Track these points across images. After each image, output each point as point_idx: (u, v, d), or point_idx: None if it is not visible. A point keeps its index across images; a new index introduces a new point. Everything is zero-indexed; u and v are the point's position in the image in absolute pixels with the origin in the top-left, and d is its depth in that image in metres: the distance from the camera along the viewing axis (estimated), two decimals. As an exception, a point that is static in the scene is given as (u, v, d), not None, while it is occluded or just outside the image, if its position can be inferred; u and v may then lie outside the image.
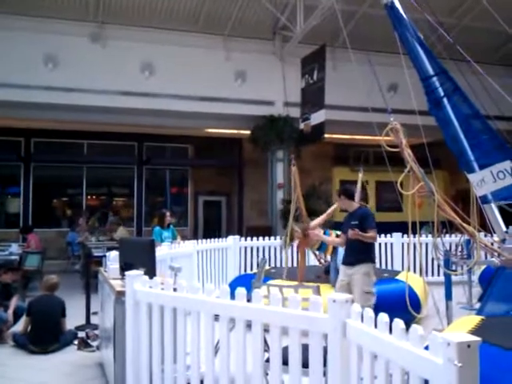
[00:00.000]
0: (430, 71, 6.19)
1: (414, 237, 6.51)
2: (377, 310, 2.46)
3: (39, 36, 12.89)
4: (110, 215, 16.87)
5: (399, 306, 5.80)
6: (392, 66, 9.69)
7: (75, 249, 13.56)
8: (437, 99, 6.08)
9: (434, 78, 6.13)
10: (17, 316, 6.81)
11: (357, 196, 8.01)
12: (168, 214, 9.35)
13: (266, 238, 10.50)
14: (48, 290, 6.69)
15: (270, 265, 9.85)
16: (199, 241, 9.47)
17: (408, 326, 2.17)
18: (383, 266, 10.39)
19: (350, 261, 5.82)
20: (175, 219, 18.20)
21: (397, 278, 7.80)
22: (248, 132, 15.55)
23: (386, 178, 7.08)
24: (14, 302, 6.88)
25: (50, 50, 13.10)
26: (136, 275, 3.82)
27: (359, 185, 8.42)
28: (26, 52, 12.78)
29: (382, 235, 10.72)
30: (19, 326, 6.58)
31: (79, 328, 6.91)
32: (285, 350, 2.79)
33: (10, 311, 6.74)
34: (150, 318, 3.66)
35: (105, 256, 6.13)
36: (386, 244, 10.73)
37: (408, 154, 5.27)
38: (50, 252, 12.09)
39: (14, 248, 10.67)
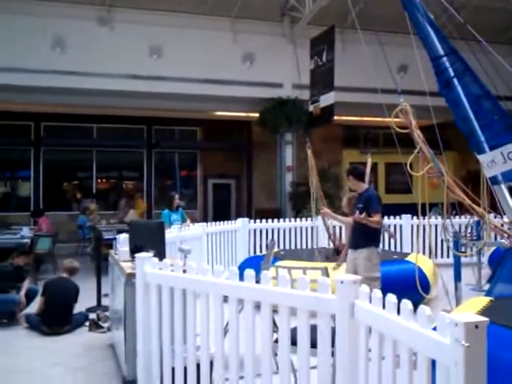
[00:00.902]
0: (440, 51, 6.11)
1: (424, 218, 6.50)
2: (386, 290, 2.47)
3: (47, 20, 12.86)
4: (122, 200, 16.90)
5: (409, 287, 5.81)
6: (402, 47, 9.59)
7: (86, 232, 13.66)
8: (447, 79, 6.00)
9: (444, 58, 6.05)
10: (29, 298, 6.90)
11: (366, 179, 7.99)
12: (177, 196, 9.38)
13: (275, 220, 10.52)
14: (67, 272, 6.78)
15: (278, 247, 9.89)
16: (209, 223, 9.51)
17: (417, 306, 2.18)
18: (392, 248, 10.39)
19: (353, 244, 5.81)
20: (184, 202, 18.32)
21: (406, 259, 7.80)
22: (257, 115, 15.49)
23: (396, 159, 7.04)
24: (26, 284, 6.97)
25: (58, 34, 13.08)
26: (146, 257, 3.85)
27: (369, 168, 8.39)
28: (35, 36, 12.76)
29: (392, 217, 10.70)
30: (32, 308, 6.67)
31: (90, 310, 7.00)
32: (293, 331, 2.81)
33: (22, 293, 6.84)
34: (159, 299, 3.69)
35: (115, 239, 6.18)
36: (395, 226, 10.71)
37: (417, 135, 5.23)
38: (60, 235, 12.18)
39: (26, 231, 10.75)
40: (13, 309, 6.76)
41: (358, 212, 5.59)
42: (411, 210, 9.99)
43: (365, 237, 5.63)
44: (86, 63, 13.05)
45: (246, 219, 10.34)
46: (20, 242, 8.79)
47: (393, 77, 6.82)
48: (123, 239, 5.31)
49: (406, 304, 2.19)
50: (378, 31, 11.84)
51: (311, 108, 14.30)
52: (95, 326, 6.38)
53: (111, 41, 13.46)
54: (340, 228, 10.12)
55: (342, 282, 2.44)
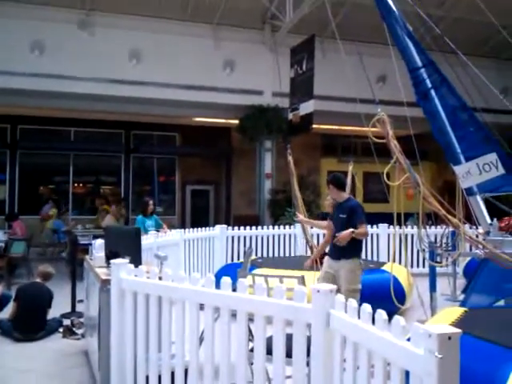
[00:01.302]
0: (418, 63, 6.21)
1: (400, 228, 6.56)
2: (362, 300, 2.48)
3: (26, 22, 12.72)
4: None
5: (384, 296, 5.84)
6: (381, 57, 9.70)
7: (61, 236, 13.49)
8: (424, 91, 6.11)
9: (422, 70, 6.15)
10: (1, 304, 6.77)
11: (347, 189, 8.03)
12: (151, 202, 9.31)
13: (254, 227, 10.52)
14: (41, 277, 6.67)
15: (257, 254, 9.88)
16: (186, 230, 9.46)
17: (392, 317, 2.19)
18: (369, 257, 10.46)
19: (335, 255, 5.47)
20: (162, 208, 18.22)
21: (382, 268, 7.86)
22: (236, 121, 15.52)
23: (374, 169, 7.11)
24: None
25: (37, 37, 12.95)
26: (121, 263, 3.81)
27: (349, 177, 8.44)
28: (13, 38, 12.60)
29: (369, 226, 10.76)
30: (5, 314, 6.54)
31: (65, 316, 6.90)
32: (269, 340, 2.80)
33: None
34: (135, 306, 3.65)
35: (91, 244, 6.11)
36: (371, 235, 10.79)
37: (394, 145, 5.28)
38: (35, 239, 12.01)
39: (0, 235, 10.58)
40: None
41: (339, 222, 5.39)
42: (388, 219, 10.11)
43: (349, 248, 5.31)
44: (64, 67, 12.93)
45: (225, 226, 10.32)
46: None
47: (371, 86, 6.91)
48: (99, 245, 5.24)
49: (381, 314, 2.19)
50: (358, 41, 12.03)
51: (291, 116, 14.39)
52: (69, 332, 6.28)
53: (91, 45, 13.37)
54: (318, 236, 10.18)
55: (318, 291, 2.44)
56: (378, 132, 5.70)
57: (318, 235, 10.33)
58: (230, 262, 9.79)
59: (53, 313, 6.58)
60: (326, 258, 5.66)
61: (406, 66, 6.43)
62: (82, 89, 13.23)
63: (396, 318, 2.12)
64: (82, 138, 17.49)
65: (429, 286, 6.91)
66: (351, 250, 5.36)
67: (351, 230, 5.21)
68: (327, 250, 5.97)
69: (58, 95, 13.35)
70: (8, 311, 6.50)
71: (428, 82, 6.16)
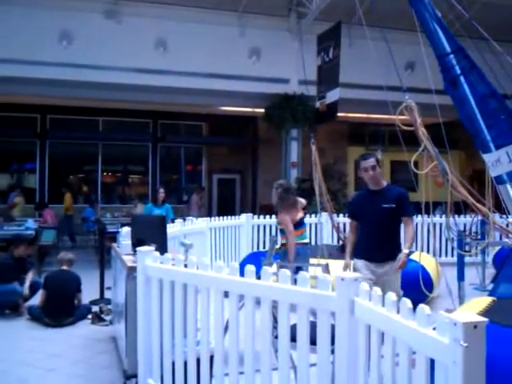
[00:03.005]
0: (447, 49, 6.07)
1: (428, 217, 6.47)
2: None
3: (54, 13, 12.86)
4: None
5: (412, 285, 5.77)
6: (409, 44, 9.54)
7: (90, 225, 13.71)
8: (453, 77, 5.97)
9: (451, 56, 6.01)
10: (33, 290, 6.93)
11: None
12: (161, 190, 9.36)
13: (279, 216, 10.49)
14: (64, 264, 6.80)
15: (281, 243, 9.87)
16: (212, 218, 9.50)
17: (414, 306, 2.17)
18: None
19: (380, 256, 4.53)
20: (186, 197, 18.34)
21: (410, 258, 7.76)
22: (262, 110, 15.47)
23: (401, 157, 7.01)
24: (30, 276, 6.99)
25: (65, 27, 13.09)
26: (147, 251, 3.85)
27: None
28: (42, 29, 12.77)
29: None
30: (36, 300, 6.70)
31: (93, 302, 7.03)
32: (293, 327, 2.80)
33: (27, 285, 6.86)
34: (160, 293, 3.69)
35: (118, 232, 6.19)
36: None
37: (422, 132, 5.19)
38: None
39: (30, 223, 10.80)
40: (15, 300, 6.78)
41: (380, 213, 4.49)
42: (416, 208, 10.00)
43: (394, 247, 4.55)
44: (92, 56, 13.05)
45: (250, 215, 10.33)
46: (18, 233, 8.78)
47: (398, 74, 6.78)
48: (125, 232, 5.31)
49: (406, 302, 2.17)
50: (386, 27, 11.82)
51: (318, 104, 14.26)
52: (98, 318, 6.40)
53: (118, 34, 13.45)
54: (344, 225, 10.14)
55: (342, 280, 2.43)
56: (406, 120, 5.62)
57: (344, 224, 10.30)
58: (255, 250, 9.81)
59: (82, 298, 6.71)
60: (361, 264, 4.63)
61: (434, 53, 6.30)
62: (110, 78, 13.35)
63: (421, 306, 2.09)
64: (110, 127, 17.69)
65: (457, 276, 6.81)
66: (396, 249, 4.57)
67: (406, 251, 4.51)
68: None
69: (86, 85, 13.49)
70: (38, 298, 6.65)
71: (457, 68, 6.02)
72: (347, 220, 10.47)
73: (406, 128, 5.43)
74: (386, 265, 4.53)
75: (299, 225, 6.21)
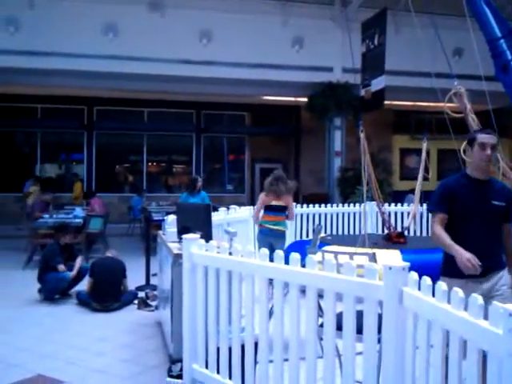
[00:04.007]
0: (497, 33, 5.87)
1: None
2: (437, 279, 2.40)
3: (99, 5, 13.08)
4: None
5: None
6: (456, 30, 9.28)
7: (136, 213, 13.97)
8: (504, 63, 5.77)
9: (502, 41, 5.81)
10: (81, 276, 7.12)
11: (421, 167, 7.82)
12: (200, 179, 9.44)
13: (323, 205, 10.44)
14: (110, 252, 6.99)
15: (326, 232, 9.81)
16: (255, 207, 9.50)
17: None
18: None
19: (489, 266, 3.25)
20: (230, 186, 18.46)
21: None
22: (305, 99, 15.36)
23: (448, 145, 6.84)
24: (78, 262, 7.18)
25: (110, 20, 13.30)
26: (192, 238, 3.88)
27: (424, 154, 8.19)
28: (87, 21, 13.03)
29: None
30: (83, 285, 6.88)
31: (139, 288, 7.17)
32: (339, 316, 2.78)
33: (74, 272, 7.04)
34: (205, 280, 3.73)
35: (164, 220, 6.28)
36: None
37: (472, 119, 5.04)
38: (112, 216, 12.50)
39: (79, 211, 11.07)
40: (64, 286, 6.99)
41: (488, 212, 3.41)
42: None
43: (500, 256, 3.50)
44: (137, 48, 13.23)
45: (294, 204, 10.27)
46: (64, 222, 9.00)
47: (447, 60, 6.61)
48: (171, 220, 5.38)
49: (457, 292, 2.12)
50: (432, 13, 11.52)
51: (362, 92, 14.03)
52: (144, 304, 6.52)
53: (162, 26, 13.57)
54: (396, 214, 10.05)
55: (390, 269, 2.39)
56: (455, 107, 5.47)
57: (395, 213, 10.20)
58: (298, 239, 9.79)
59: (129, 284, 6.86)
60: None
61: (485, 37, 6.10)
62: (154, 70, 13.50)
63: (474, 296, 2.03)
64: (154, 118, 17.94)
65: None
66: (502, 256, 3.52)
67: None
68: None
69: (131, 77, 13.69)
70: (85, 283, 6.83)
71: (508, 53, 5.82)
72: (396, 209, 10.38)
73: (454, 115, 5.29)
74: (492, 277, 3.34)
75: (272, 210, 6.96)
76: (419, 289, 2.35)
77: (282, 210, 7.05)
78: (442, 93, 6.14)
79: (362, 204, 8.72)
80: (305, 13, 14.35)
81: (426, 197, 9.09)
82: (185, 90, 15.01)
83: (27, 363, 4.56)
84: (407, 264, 2.44)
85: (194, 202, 8.88)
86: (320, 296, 2.90)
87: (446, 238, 3.27)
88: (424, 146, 8.56)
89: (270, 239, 6.92)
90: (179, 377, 3.96)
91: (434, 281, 2.33)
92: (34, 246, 9.55)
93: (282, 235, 7.14)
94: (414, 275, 2.37)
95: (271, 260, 3.19)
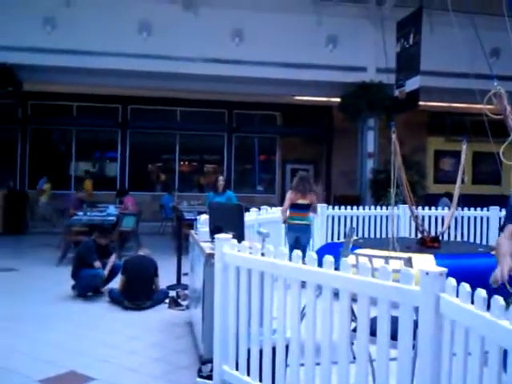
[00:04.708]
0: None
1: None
2: (472, 286, 2.33)
3: (134, 4, 13.25)
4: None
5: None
6: (493, 30, 9.04)
7: (168, 212, 14.08)
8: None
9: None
10: (114, 273, 7.20)
11: (460, 169, 7.68)
12: (221, 178, 9.45)
13: (354, 207, 10.34)
14: (142, 250, 7.04)
15: (357, 235, 9.71)
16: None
17: (507, 303, 2.05)
18: (477, 241, 9.94)
19: None
20: (260, 187, 18.45)
21: (492, 253, 7.41)
22: (338, 99, 15.23)
23: (484, 148, 6.68)
24: (112, 260, 7.26)
25: (145, 19, 13.44)
26: (225, 239, 3.87)
27: (463, 157, 8.03)
28: (122, 20, 13.20)
29: (479, 209, 10.23)
30: (116, 283, 6.96)
31: (170, 287, 7.21)
32: (372, 321, 2.73)
33: (108, 269, 7.12)
34: (237, 280, 3.72)
35: (196, 219, 6.30)
36: (481, 218, 10.22)
37: (512, 121, 4.90)
38: (144, 214, 12.65)
39: (112, 210, 11.21)
40: (98, 283, 7.08)
41: None
42: (499, 201, 9.51)
43: None
44: (170, 47, 13.35)
45: (325, 205, 10.22)
46: (104, 223, 9.10)
47: (487, 60, 6.46)
48: (203, 220, 5.39)
49: (498, 300, 2.05)
50: (468, 12, 11.28)
51: (396, 92, 13.85)
52: (174, 303, 6.56)
53: (195, 25, 13.66)
54: (430, 218, 9.90)
55: (427, 274, 2.33)
56: (493, 108, 5.32)
57: (429, 217, 10.03)
58: (329, 241, 9.71)
59: (160, 283, 6.91)
60: None
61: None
62: (187, 69, 13.60)
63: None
64: (187, 117, 18.07)
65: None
66: None
67: None
68: None
69: (164, 76, 13.81)
70: (117, 281, 6.91)
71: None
72: (429, 212, 10.20)
73: (494, 117, 5.15)
74: None
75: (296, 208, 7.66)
76: (457, 295, 2.29)
77: (307, 207, 7.76)
78: (479, 94, 5.99)
79: (394, 207, 8.60)
80: (339, 11, 14.24)
81: (462, 200, 8.92)
82: (216, 89, 15.07)
83: (60, 359, 4.62)
84: (444, 269, 2.38)
85: (220, 200, 8.96)
86: (353, 300, 2.85)
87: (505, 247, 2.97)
88: (464, 148, 8.38)
89: (297, 234, 7.69)
90: (209, 377, 3.96)
91: (473, 287, 2.27)
92: (68, 243, 9.71)
93: (308, 228, 7.92)
94: (453, 281, 2.31)
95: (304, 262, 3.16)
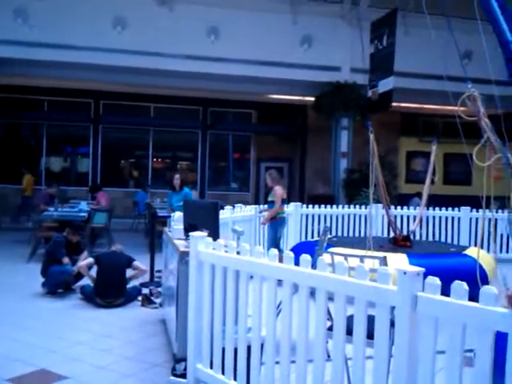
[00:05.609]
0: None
1: (489, 212, 6.23)
2: (444, 285, 2.35)
3: (109, -1, 13.10)
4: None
5: (466, 281, 5.58)
6: (466, 33, 9.17)
7: (141, 208, 13.94)
8: (519, 66, 5.69)
9: (518, 44, 5.72)
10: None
11: (430, 170, 7.77)
12: (176, 176, 9.45)
13: (328, 206, 10.40)
14: (115, 247, 6.94)
15: (330, 233, 9.77)
16: (260, 206, 9.48)
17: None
18: (449, 241, 10.11)
19: None
20: (235, 185, 18.42)
21: (464, 253, 7.54)
22: (312, 99, 15.31)
23: (456, 149, 6.78)
24: (83, 256, 7.13)
25: (119, 13, 13.28)
26: (200, 236, 3.84)
27: (433, 157, 8.13)
28: (96, 15, 13.02)
29: (450, 209, 10.39)
30: (85, 281, 6.86)
31: (143, 285, 7.13)
32: (347, 320, 2.73)
33: (79, 264, 6.91)
34: (212, 279, 3.69)
35: (169, 216, 6.24)
36: (452, 218, 10.39)
37: (486, 123, 4.97)
38: (116, 211, 12.50)
39: (83, 205, 11.06)
40: (66, 280, 6.94)
41: None
42: (469, 202, 9.68)
43: None
44: (145, 42, 13.23)
45: (299, 204, 10.26)
46: (77, 216, 8.99)
47: (461, 63, 6.55)
48: (178, 217, 5.34)
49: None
50: (442, 15, 11.42)
51: (369, 93, 13.98)
52: (148, 301, 6.49)
53: (170, 21, 13.57)
54: (402, 217, 10.02)
55: (404, 273, 2.34)
56: (466, 110, 5.40)
57: (401, 217, 10.15)
58: (303, 240, 9.75)
59: (132, 282, 6.83)
60: None
61: (498, 40, 6.02)
62: (161, 65, 13.50)
63: (485, 287, 2.01)
64: (161, 113, 17.93)
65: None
66: None
67: None
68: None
69: (138, 71, 13.69)
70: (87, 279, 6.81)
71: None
72: (401, 212, 10.32)
73: (469, 118, 5.22)
74: None
75: (282, 202, 8.34)
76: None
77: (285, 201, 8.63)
78: (452, 96, 6.07)
79: (368, 206, 8.67)
80: (314, 11, 14.31)
81: (433, 200, 9.05)
82: (191, 86, 15.00)
83: (30, 357, 4.53)
84: (422, 269, 2.39)
85: (176, 199, 9.09)
86: (329, 299, 2.85)
87: None
88: (433, 149, 8.49)
89: (284, 227, 8.61)
90: (183, 376, 3.93)
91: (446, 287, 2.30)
92: (39, 238, 9.53)
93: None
94: (436, 280, 2.32)
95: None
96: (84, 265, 6.74)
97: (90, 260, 6.75)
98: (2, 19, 12.56)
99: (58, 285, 6.92)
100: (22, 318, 5.76)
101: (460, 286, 2.20)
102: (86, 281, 6.92)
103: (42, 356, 4.59)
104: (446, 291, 2.29)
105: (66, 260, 6.96)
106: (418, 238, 9.69)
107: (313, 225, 10.06)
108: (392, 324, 2.48)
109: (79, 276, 7.06)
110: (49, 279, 6.89)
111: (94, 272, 6.73)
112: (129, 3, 13.21)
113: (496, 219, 9.17)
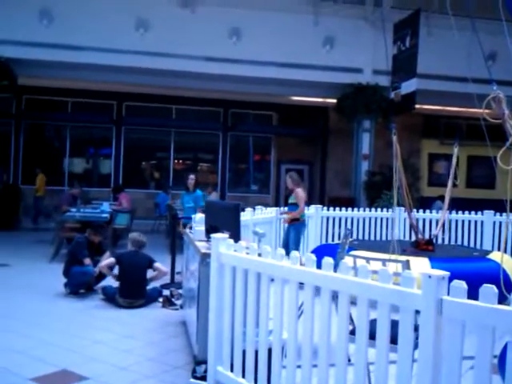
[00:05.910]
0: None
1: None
2: (468, 290, 2.30)
3: (131, 1, 13.18)
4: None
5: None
6: (490, 34, 9.05)
7: (163, 210, 14.01)
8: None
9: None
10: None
11: (451, 173, 7.67)
12: (191, 177, 9.44)
13: (349, 209, 10.32)
14: (136, 246, 6.92)
15: (351, 236, 9.69)
16: (280, 208, 9.45)
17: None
18: (471, 245, 9.96)
19: None
20: (255, 187, 18.42)
21: (487, 257, 7.42)
22: (334, 100, 15.23)
23: (479, 152, 6.67)
24: (105, 257, 7.18)
25: (142, 16, 13.39)
26: (221, 238, 3.83)
27: (455, 160, 8.01)
28: (119, 16, 13.15)
29: (473, 212, 10.24)
30: (109, 281, 6.91)
31: (164, 286, 7.15)
32: (370, 324, 2.70)
33: (100, 264, 6.96)
34: (233, 280, 3.68)
35: (190, 218, 6.25)
36: (475, 222, 10.23)
37: (511, 125, 4.88)
38: (137, 212, 12.58)
39: (106, 206, 11.13)
40: (88, 280, 7.00)
41: None
42: (492, 205, 9.52)
43: None
44: (167, 44, 13.32)
45: (320, 206, 10.20)
46: (98, 221, 9.04)
47: (486, 64, 6.44)
48: (199, 219, 5.34)
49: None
50: (467, 17, 11.28)
51: (392, 95, 13.85)
52: (168, 302, 6.51)
53: (192, 23, 13.62)
54: (424, 221, 9.89)
55: (429, 277, 2.31)
56: (491, 113, 5.31)
57: (423, 220, 10.02)
58: (323, 242, 9.69)
59: (152, 283, 6.85)
60: None
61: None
62: (184, 67, 13.57)
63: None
64: (182, 115, 18.02)
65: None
66: None
67: None
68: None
69: (160, 73, 13.78)
70: (109, 279, 6.87)
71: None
72: (424, 215, 10.19)
73: (493, 121, 5.14)
74: None
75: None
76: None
77: None
78: (477, 98, 5.98)
79: (391, 209, 8.58)
80: (336, 12, 14.24)
81: (456, 204, 8.92)
82: (213, 88, 15.05)
83: (52, 357, 4.56)
84: (447, 273, 2.35)
85: (187, 200, 9.17)
86: (352, 303, 2.82)
87: None
88: (455, 151, 8.37)
89: (305, 230, 8.70)
90: (203, 378, 3.92)
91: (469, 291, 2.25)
92: (61, 239, 9.64)
93: None
94: (463, 284, 2.27)
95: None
96: (104, 265, 6.79)
97: (112, 260, 6.79)
98: (27, 21, 12.76)
99: (79, 285, 6.99)
100: (44, 318, 5.82)
101: (490, 290, 2.15)
102: (107, 281, 6.97)
103: (63, 356, 4.62)
104: (469, 296, 2.24)
105: (87, 261, 7.02)
106: (440, 241, 9.56)
107: (333, 227, 9.98)
108: (415, 328, 2.44)
109: (101, 277, 7.12)
110: (71, 280, 6.95)
111: (115, 272, 6.78)
112: (151, 5, 13.32)
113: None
